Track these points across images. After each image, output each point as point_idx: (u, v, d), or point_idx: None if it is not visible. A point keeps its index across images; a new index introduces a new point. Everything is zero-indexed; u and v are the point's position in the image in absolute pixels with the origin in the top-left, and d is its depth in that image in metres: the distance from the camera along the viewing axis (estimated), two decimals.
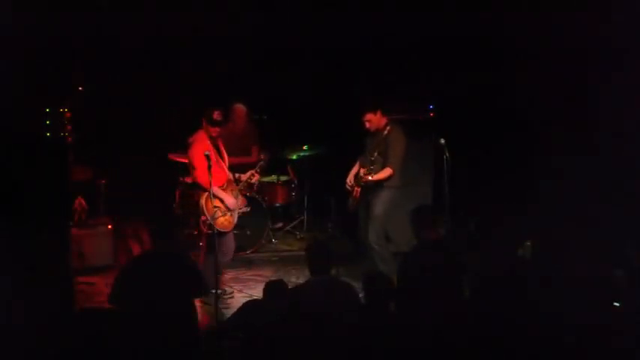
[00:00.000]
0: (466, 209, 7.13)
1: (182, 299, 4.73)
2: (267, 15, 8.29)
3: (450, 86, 8.09)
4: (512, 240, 6.38)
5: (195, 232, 7.96)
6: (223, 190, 6.38)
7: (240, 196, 6.56)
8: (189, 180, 7.81)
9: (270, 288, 5.03)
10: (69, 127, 5.85)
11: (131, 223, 7.75)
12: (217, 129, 6.38)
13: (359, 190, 6.47)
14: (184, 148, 7.73)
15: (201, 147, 6.26)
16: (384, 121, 6.45)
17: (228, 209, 6.35)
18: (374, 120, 6.41)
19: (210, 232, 6.21)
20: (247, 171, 6.91)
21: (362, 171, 6.39)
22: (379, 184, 6.38)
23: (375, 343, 4.51)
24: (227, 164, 6.55)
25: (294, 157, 8.25)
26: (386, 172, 6.34)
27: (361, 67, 8.59)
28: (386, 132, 6.41)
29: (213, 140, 6.42)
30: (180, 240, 6.52)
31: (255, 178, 6.90)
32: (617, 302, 5.14)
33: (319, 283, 5.01)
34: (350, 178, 6.58)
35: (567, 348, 4.63)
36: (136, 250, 6.66)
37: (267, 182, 8.05)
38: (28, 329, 4.80)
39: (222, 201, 6.32)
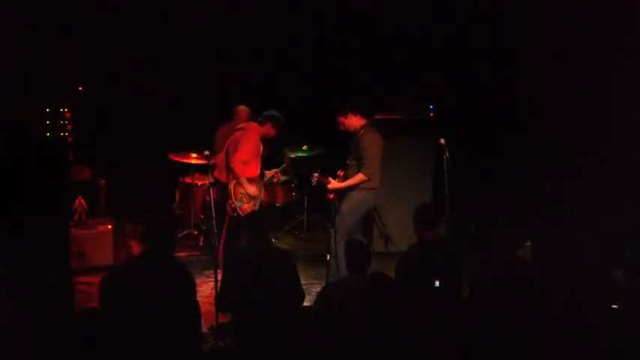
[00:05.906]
0: (466, 209, 7.13)
1: (181, 299, 4.71)
2: (268, 15, 8.30)
3: (450, 86, 8.10)
4: (513, 240, 6.39)
5: (195, 232, 7.98)
6: (250, 182, 6.66)
7: (262, 189, 6.89)
8: (189, 180, 7.84)
9: None
10: (69, 127, 5.84)
11: (131, 223, 7.78)
12: (274, 137, 6.80)
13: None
14: (185, 147, 7.77)
15: (253, 138, 6.64)
16: (359, 123, 6.24)
17: (252, 198, 6.64)
18: (345, 123, 6.27)
19: (234, 215, 6.54)
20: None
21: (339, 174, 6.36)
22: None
23: (374, 342, 4.52)
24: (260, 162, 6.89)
25: (294, 156, 8.25)
26: (357, 179, 6.14)
27: (362, 66, 8.59)
28: (359, 135, 6.20)
29: (261, 138, 6.77)
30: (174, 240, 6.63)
31: (277, 178, 7.45)
32: (616, 302, 5.16)
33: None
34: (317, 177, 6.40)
35: (567, 348, 4.64)
36: (136, 249, 6.66)
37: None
38: (28, 329, 4.80)
39: (245, 189, 6.63)
